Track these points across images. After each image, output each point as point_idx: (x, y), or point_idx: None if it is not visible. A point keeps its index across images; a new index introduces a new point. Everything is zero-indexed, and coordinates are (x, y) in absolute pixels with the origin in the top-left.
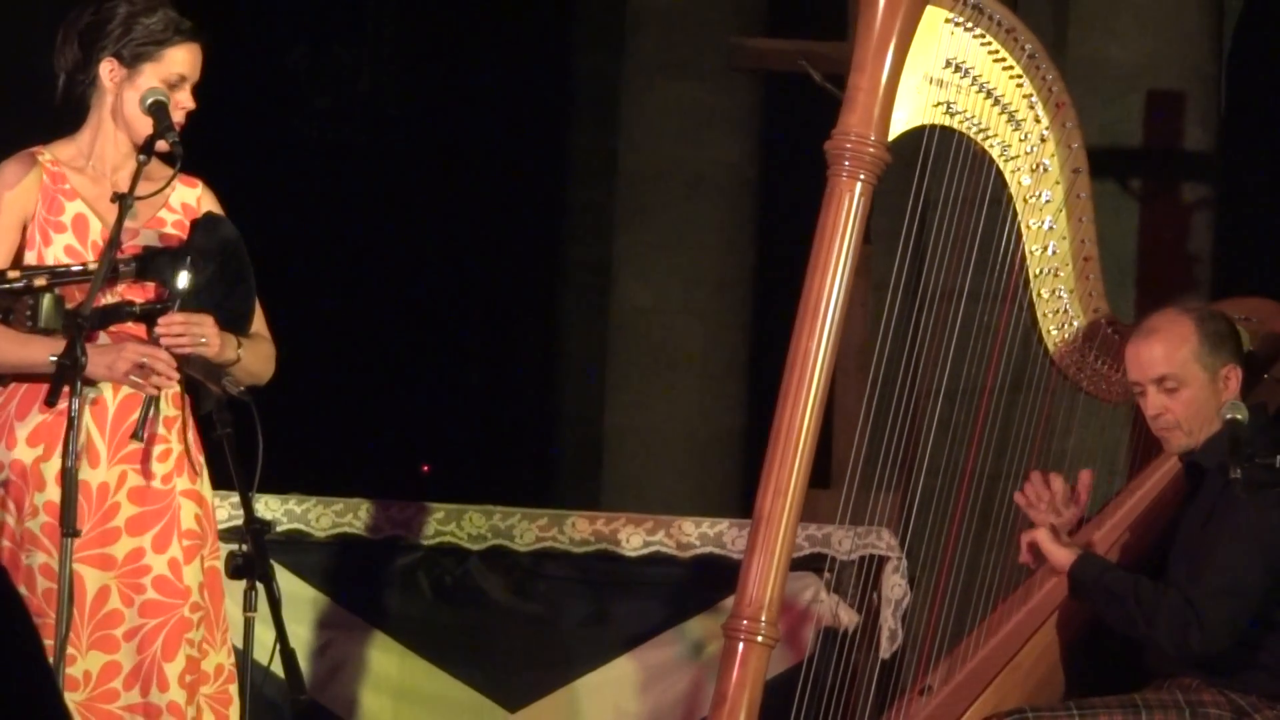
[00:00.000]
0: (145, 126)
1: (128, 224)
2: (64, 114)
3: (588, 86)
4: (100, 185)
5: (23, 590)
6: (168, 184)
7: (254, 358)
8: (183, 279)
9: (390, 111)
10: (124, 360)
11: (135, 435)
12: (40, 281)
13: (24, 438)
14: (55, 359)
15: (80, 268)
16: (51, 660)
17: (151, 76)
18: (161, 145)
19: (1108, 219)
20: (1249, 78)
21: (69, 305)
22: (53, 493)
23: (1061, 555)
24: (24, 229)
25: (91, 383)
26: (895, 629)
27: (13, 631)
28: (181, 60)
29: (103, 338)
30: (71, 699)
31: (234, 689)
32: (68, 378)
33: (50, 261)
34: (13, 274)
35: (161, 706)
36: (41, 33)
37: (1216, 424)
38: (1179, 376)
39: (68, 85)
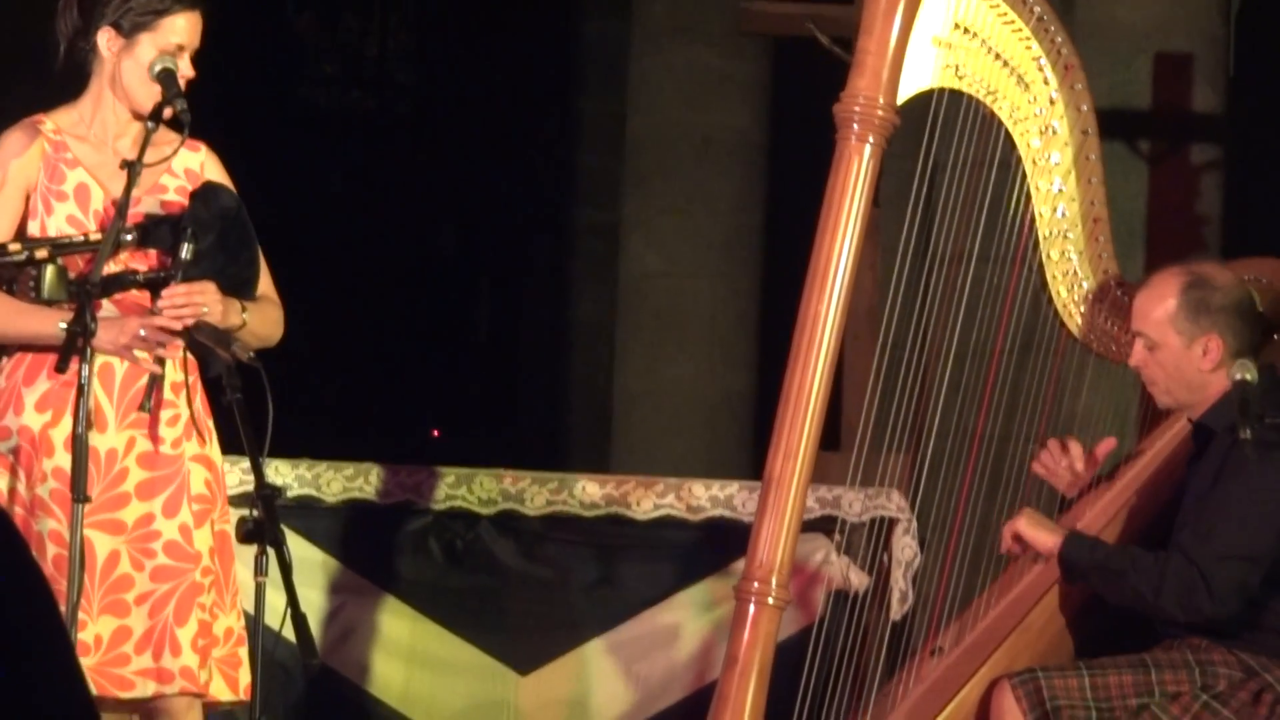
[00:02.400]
0: (145, 95)
1: (132, 192)
2: (68, 81)
3: (596, 50)
4: (102, 153)
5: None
6: (174, 152)
7: (261, 321)
8: (183, 250)
9: (399, 77)
10: (126, 334)
11: (142, 407)
12: (42, 253)
13: (32, 404)
14: (65, 326)
15: (82, 238)
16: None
17: (149, 46)
18: (169, 113)
19: (1116, 181)
20: (1257, 39)
21: (72, 275)
22: (61, 459)
23: (1047, 540)
24: (26, 199)
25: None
26: (906, 590)
27: (35, 602)
28: (179, 29)
29: (107, 306)
30: (84, 664)
31: (243, 652)
32: (78, 345)
33: (53, 231)
34: (14, 246)
35: (174, 671)
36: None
37: (1201, 389)
38: (1153, 337)
39: (69, 52)
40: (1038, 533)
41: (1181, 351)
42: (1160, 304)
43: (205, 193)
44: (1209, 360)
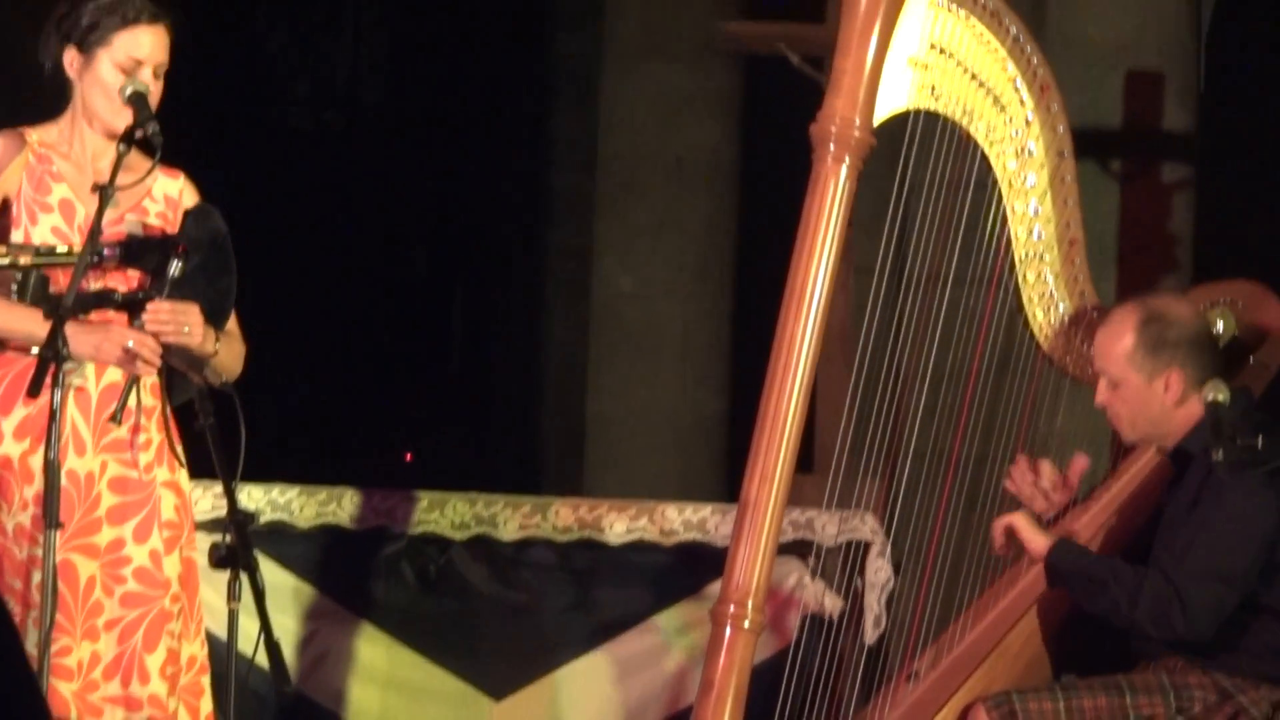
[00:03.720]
0: (109, 114)
1: (110, 211)
2: (57, 105)
3: (567, 70)
4: (83, 173)
5: (16, 584)
6: (148, 174)
7: (229, 354)
8: (174, 267)
9: (370, 98)
10: (111, 341)
11: (113, 418)
12: (25, 260)
13: (10, 431)
14: (37, 351)
15: (66, 249)
16: (36, 651)
17: (107, 62)
18: (140, 135)
19: (1088, 200)
20: (1228, 57)
21: (53, 288)
22: (41, 485)
23: (1038, 542)
24: (7, 205)
25: (75, 367)
26: (880, 613)
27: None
28: (135, 44)
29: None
30: (68, 688)
31: (206, 680)
32: (49, 369)
33: (37, 241)
34: None
35: (143, 699)
36: (36, 27)
37: (1166, 422)
38: (1113, 375)
39: (52, 76)
40: (1031, 534)
41: (1143, 388)
42: (1118, 342)
43: (200, 212)
44: (1170, 395)
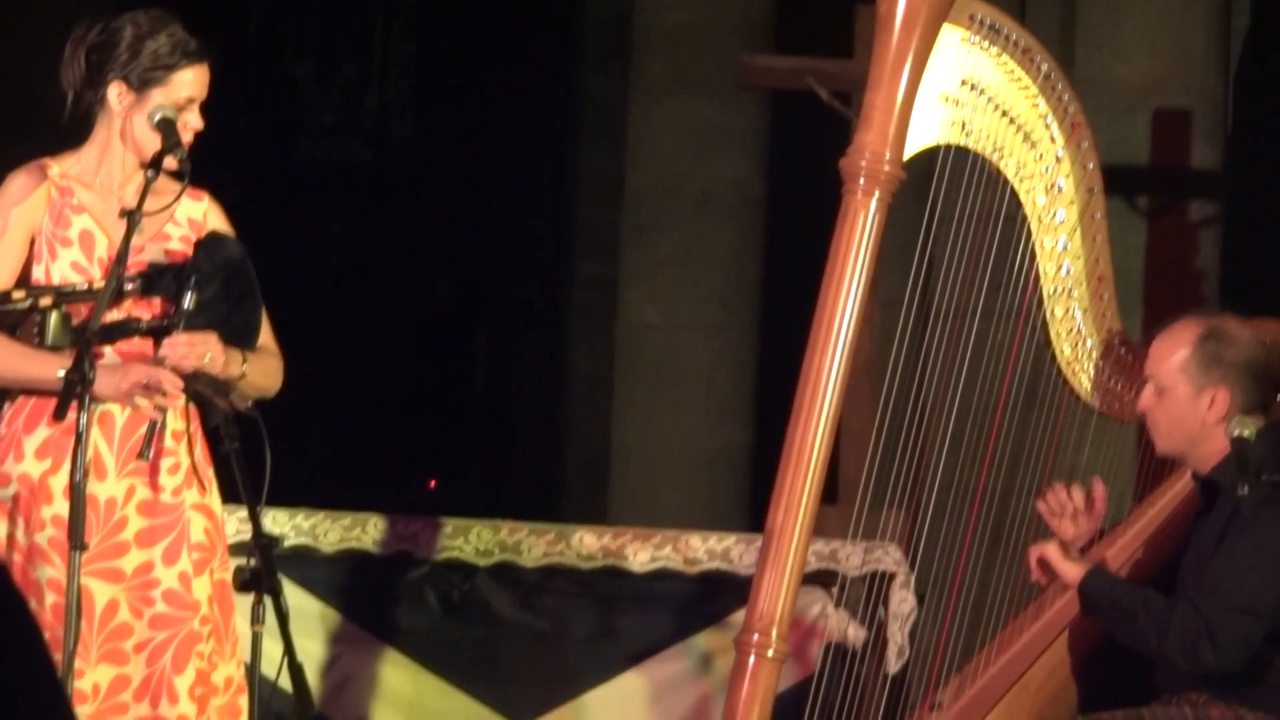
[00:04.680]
0: (155, 146)
1: (134, 239)
2: (70, 130)
3: (595, 104)
4: (107, 201)
5: (30, 603)
6: (175, 200)
7: (260, 373)
8: (186, 300)
9: (397, 128)
10: (128, 381)
11: (141, 455)
12: (46, 300)
13: (32, 451)
14: (63, 374)
15: (86, 286)
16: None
17: (160, 99)
18: (169, 162)
19: (1114, 236)
20: (1255, 97)
21: (75, 322)
22: (60, 506)
23: (1071, 570)
24: (31, 242)
25: (98, 399)
26: (903, 644)
27: (20, 635)
28: (189, 83)
29: (109, 353)
30: (81, 711)
31: (243, 701)
32: (76, 393)
33: (57, 277)
34: (18, 294)
35: (172, 719)
36: (45, 47)
37: (1199, 443)
38: (1162, 381)
39: (75, 101)
40: (1064, 562)
41: (1189, 400)
42: (1176, 350)
43: (209, 243)
44: (1214, 413)
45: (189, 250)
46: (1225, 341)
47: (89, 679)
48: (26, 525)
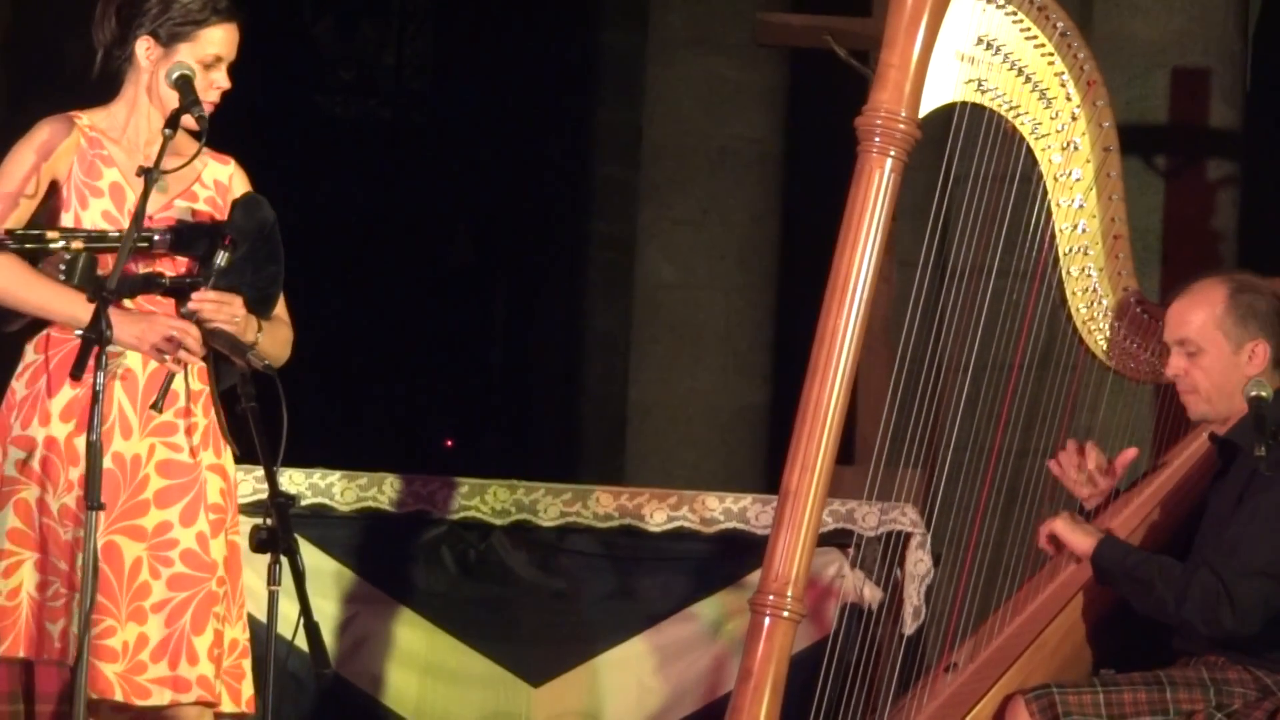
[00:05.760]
0: (175, 104)
1: (160, 196)
2: (98, 89)
3: (612, 61)
4: (133, 158)
5: (62, 564)
6: (194, 157)
7: (271, 342)
8: (220, 257)
9: (415, 86)
10: (155, 331)
11: (154, 405)
12: (77, 244)
13: (57, 413)
14: (80, 334)
15: (117, 234)
16: (78, 632)
17: (188, 56)
18: (188, 120)
19: (1132, 196)
20: (1274, 55)
21: (100, 271)
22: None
23: (1082, 543)
24: (56, 188)
25: (117, 353)
26: (919, 605)
27: None
28: (218, 40)
29: (129, 306)
30: (112, 670)
31: (247, 664)
32: (92, 351)
33: (87, 225)
34: (51, 234)
35: (191, 680)
36: (72, 11)
37: (1238, 397)
38: (1198, 342)
39: (105, 59)
40: (1074, 535)
41: (1228, 356)
42: (1206, 309)
43: (249, 202)
44: (1255, 365)
45: (214, 211)
46: (1258, 293)
47: (119, 637)
48: (54, 488)
